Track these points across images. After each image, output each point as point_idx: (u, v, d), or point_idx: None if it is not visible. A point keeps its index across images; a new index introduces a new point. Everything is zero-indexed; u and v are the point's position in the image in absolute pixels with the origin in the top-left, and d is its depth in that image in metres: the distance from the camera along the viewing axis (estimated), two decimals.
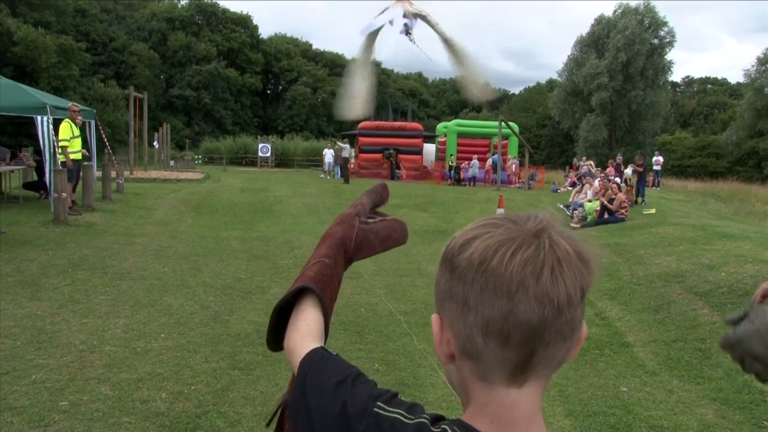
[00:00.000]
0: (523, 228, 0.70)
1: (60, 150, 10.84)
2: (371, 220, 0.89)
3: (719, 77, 74.42)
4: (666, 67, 48.37)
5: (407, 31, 2.57)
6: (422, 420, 0.73)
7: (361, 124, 31.11)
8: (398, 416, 0.73)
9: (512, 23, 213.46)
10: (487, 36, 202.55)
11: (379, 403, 0.76)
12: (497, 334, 0.67)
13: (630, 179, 18.53)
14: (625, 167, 20.53)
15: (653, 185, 26.02)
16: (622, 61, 45.64)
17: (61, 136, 10.89)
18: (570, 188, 22.31)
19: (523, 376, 0.70)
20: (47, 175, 10.93)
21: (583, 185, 16.80)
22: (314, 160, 37.97)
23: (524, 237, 0.68)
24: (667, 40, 47.70)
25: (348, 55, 71.56)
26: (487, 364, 0.70)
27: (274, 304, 0.97)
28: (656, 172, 27.73)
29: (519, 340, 0.67)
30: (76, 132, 11.32)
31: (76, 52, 39.70)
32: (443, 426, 0.71)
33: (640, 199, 16.62)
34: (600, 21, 49.63)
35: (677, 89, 72.16)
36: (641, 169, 18.01)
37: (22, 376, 4.06)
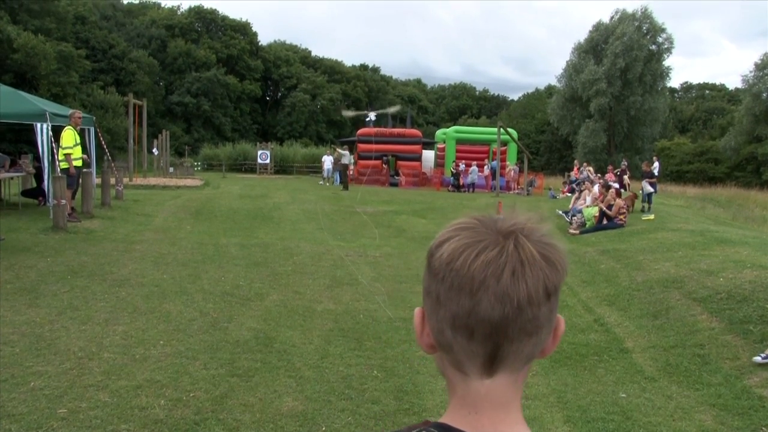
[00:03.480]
0: (493, 230, 0.74)
1: (63, 157, 10.86)
2: None
3: (717, 83, 74.76)
4: (664, 73, 48.52)
5: (372, 118, 27.21)
6: None
7: (360, 131, 31.15)
8: None
9: (511, 29, 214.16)
10: (487, 42, 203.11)
11: None
12: (463, 329, 0.72)
13: (629, 185, 18.46)
14: (630, 173, 20.43)
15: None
16: (621, 67, 45.79)
17: (65, 143, 10.91)
18: (568, 194, 22.33)
19: (492, 367, 0.74)
20: (46, 181, 10.94)
21: (581, 191, 16.80)
22: (313, 167, 38.00)
23: (491, 239, 0.73)
24: (666, 46, 47.91)
25: (347, 63, 71.83)
26: (457, 355, 0.75)
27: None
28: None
29: (482, 335, 0.72)
30: (78, 139, 11.35)
31: (76, 59, 39.79)
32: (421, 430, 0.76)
33: (646, 206, 16.25)
34: (598, 27, 49.82)
35: (675, 95, 72.32)
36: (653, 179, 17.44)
37: (21, 383, 4.06)
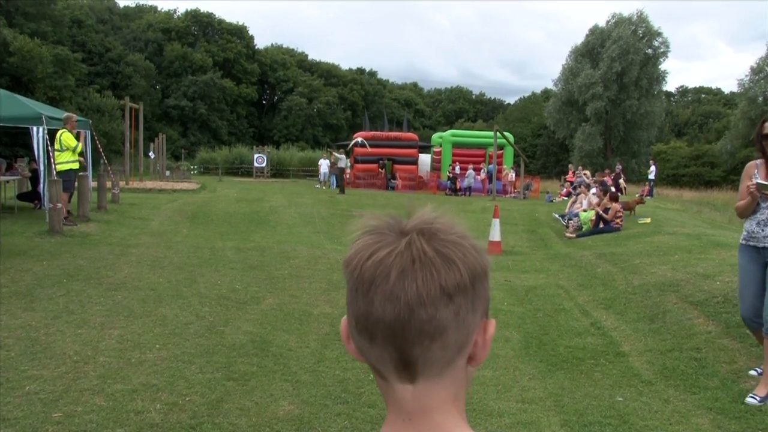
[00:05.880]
0: (395, 230, 0.71)
1: (68, 157, 10.90)
2: None
3: (714, 87, 75.15)
4: (660, 77, 48.73)
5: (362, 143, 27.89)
6: None
7: (356, 135, 31.22)
8: None
9: (508, 33, 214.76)
10: (484, 45, 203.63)
11: None
12: (364, 332, 0.70)
13: (625, 189, 18.51)
14: (625, 177, 20.48)
15: (648, 194, 26.14)
16: (617, 71, 45.94)
17: (68, 143, 10.93)
18: (565, 198, 22.37)
19: (407, 373, 0.70)
20: (41, 185, 10.91)
21: (577, 195, 16.83)
22: (310, 170, 38.02)
23: (389, 240, 0.70)
24: (662, 50, 48.11)
25: (344, 66, 71.93)
26: (370, 360, 0.72)
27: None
28: (650, 181, 27.91)
29: (382, 337, 0.68)
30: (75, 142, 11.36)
31: (72, 63, 39.77)
32: None
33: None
34: (594, 31, 50.01)
35: (672, 99, 72.61)
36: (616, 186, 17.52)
37: (16, 387, 4.04)
